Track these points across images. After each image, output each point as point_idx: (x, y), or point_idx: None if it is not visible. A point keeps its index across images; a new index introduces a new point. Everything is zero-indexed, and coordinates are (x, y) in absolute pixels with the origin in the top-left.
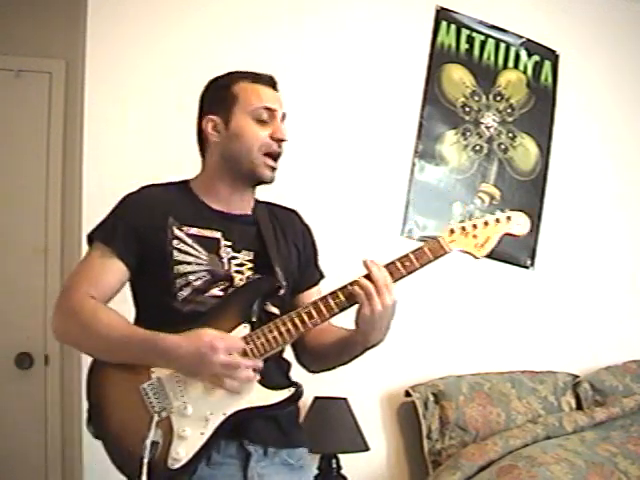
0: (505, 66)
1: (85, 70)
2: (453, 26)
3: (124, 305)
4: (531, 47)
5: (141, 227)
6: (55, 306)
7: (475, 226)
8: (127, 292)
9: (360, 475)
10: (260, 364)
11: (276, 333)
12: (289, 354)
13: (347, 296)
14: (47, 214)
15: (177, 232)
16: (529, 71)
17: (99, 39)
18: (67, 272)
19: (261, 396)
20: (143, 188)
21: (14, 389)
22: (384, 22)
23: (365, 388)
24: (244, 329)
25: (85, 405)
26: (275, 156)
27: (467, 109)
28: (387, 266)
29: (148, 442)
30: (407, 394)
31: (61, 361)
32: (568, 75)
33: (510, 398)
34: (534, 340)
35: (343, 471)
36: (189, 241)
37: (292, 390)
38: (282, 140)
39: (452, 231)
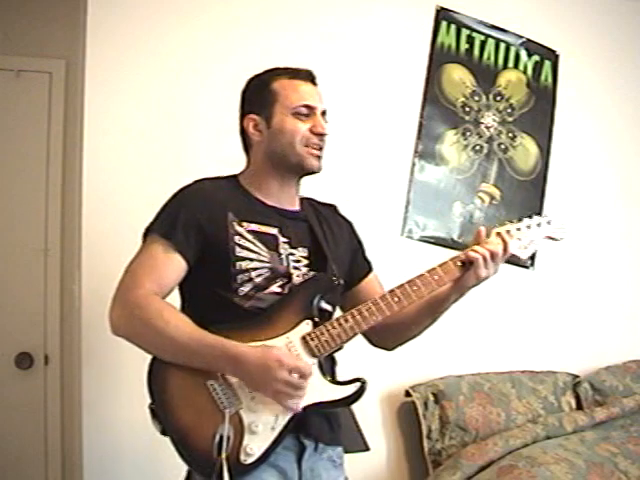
0: (505, 66)
1: (85, 70)
2: (453, 26)
3: None
4: (531, 47)
5: (203, 221)
6: (115, 300)
7: (519, 229)
8: None
9: (360, 475)
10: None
11: (339, 329)
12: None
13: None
14: (47, 214)
15: (238, 228)
16: (529, 71)
17: (99, 39)
18: (67, 272)
19: (330, 390)
20: (197, 182)
21: (14, 389)
22: (384, 22)
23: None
24: (306, 326)
25: (85, 405)
26: (317, 147)
27: (467, 109)
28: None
29: (225, 437)
30: (407, 394)
31: (61, 361)
32: (568, 75)
33: (510, 398)
34: (534, 340)
35: None
36: (250, 237)
37: (357, 385)
38: (322, 134)
39: (498, 234)
